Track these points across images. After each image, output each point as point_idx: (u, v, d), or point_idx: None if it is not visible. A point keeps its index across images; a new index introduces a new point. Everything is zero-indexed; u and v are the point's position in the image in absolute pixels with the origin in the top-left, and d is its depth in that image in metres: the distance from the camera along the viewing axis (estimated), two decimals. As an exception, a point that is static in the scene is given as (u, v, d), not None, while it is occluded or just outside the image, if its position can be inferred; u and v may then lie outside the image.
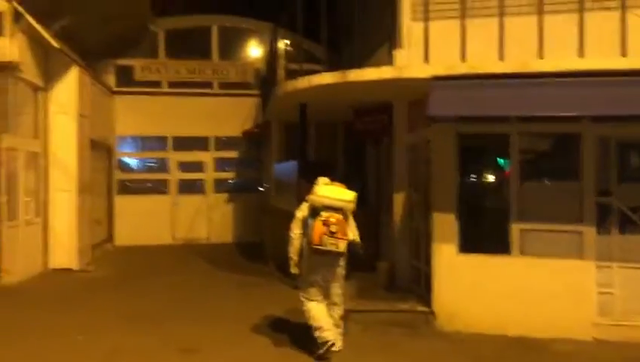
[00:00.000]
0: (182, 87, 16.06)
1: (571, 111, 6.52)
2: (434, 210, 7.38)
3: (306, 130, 9.93)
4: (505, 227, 7.14)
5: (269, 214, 12.59)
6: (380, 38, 8.75)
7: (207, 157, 16.29)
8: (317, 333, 6.13)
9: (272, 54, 13.33)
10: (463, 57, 7.21)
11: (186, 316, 7.86)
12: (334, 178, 6.23)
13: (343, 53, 12.58)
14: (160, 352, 6.39)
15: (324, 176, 6.32)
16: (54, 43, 10.26)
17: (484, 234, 7.51)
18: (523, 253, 7.08)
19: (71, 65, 11.46)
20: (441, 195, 7.34)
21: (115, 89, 15.60)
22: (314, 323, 6.16)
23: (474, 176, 7.81)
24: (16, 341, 6.71)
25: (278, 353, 6.39)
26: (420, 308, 7.56)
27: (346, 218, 6.09)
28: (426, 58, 7.42)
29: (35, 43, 10.50)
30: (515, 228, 7.09)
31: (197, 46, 16.28)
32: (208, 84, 16.22)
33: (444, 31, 7.43)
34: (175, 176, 16.19)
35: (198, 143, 16.24)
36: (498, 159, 7.86)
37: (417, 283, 8.37)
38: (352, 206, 6.13)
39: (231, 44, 16.50)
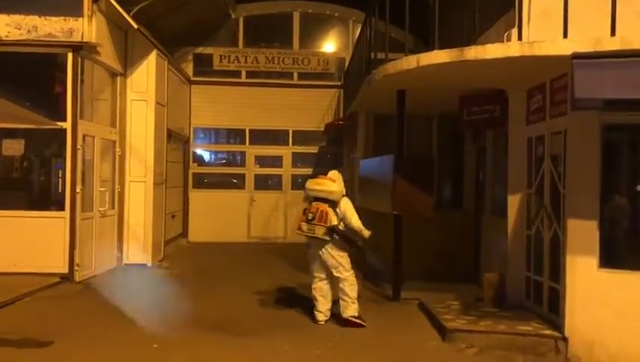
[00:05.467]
0: (261, 77, 15.32)
1: None
2: (568, 216, 6.13)
3: (403, 121, 8.80)
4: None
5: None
6: (485, 19, 7.52)
7: (285, 151, 15.47)
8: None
9: (359, 42, 12.29)
10: (613, 32, 5.93)
11: (267, 325, 6.97)
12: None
13: (433, 41, 11.30)
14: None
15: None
16: (134, 23, 9.64)
17: (633, 247, 6.20)
18: (685, 271, 5.75)
19: (150, 49, 10.86)
20: (577, 198, 6.09)
21: (193, 78, 15.01)
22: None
23: (619, 175, 6.48)
24: (84, 349, 5.95)
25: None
26: (547, 332, 6.34)
27: (334, 207, 6.76)
28: (564, 34, 6.16)
29: (114, 26, 9.93)
30: (676, 242, 5.77)
31: (277, 34, 15.52)
32: (288, 74, 15.40)
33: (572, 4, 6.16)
34: (251, 170, 15.44)
35: (276, 137, 15.46)
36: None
37: (537, 301, 7.13)
38: (328, 194, 6.75)
39: (313, 32, 15.62)
